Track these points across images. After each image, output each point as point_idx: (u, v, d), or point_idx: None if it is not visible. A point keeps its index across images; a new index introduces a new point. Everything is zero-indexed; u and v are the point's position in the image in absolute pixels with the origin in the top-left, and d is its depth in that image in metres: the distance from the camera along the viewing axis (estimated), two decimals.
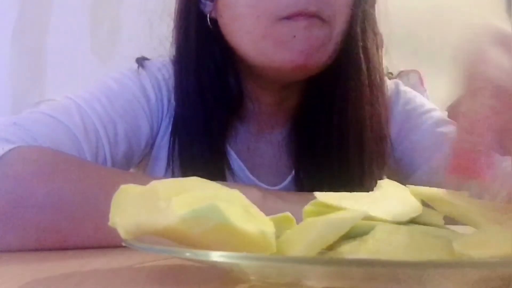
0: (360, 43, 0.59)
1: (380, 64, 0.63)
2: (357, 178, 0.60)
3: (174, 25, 0.62)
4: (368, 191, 0.32)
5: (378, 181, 0.35)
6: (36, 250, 0.40)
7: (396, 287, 0.22)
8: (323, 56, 0.54)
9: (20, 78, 1.78)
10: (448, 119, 0.66)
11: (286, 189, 0.64)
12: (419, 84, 2.01)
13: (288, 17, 0.51)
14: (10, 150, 0.43)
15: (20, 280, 0.28)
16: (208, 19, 0.59)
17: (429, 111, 0.67)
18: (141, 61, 0.63)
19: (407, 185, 0.34)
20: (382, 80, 0.63)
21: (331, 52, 0.55)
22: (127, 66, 0.63)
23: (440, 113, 0.66)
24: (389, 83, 0.69)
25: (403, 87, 0.70)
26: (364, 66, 0.59)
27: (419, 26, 2.12)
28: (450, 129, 0.64)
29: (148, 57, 0.65)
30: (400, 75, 2.02)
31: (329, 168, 0.60)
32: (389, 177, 0.67)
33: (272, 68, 0.55)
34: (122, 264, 0.33)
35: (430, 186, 0.32)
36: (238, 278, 0.26)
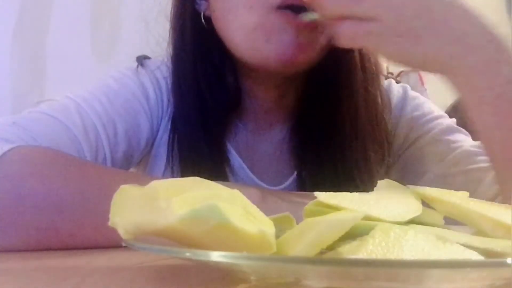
0: None
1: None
2: (361, 175, 0.59)
3: (170, 25, 0.62)
4: (368, 191, 0.32)
5: (378, 181, 0.35)
6: (36, 250, 0.40)
7: (396, 287, 0.22)
8: (312, 52, 0.53)
9: (20, 78, 1.78)
10: (457, 126, 0.65)
11: (289, 189, 0.63)
12: (419, 84, 2.01)
13: (281, 7, 0.50)
14: (9, 150, 0.43)
15: (20, 280, 0.28)
16: (203, 18, 0.59)
17: (437, 117, 0.65)
18: (141, 60, 0.63)
19: (407, 185, 0.34)
20: (376, 64, 0.62)
21: (322, 48, 0.54)
22: (127, 66, 0.63)
23: (449, 120, 0.65)
24: (397, 88, 0.68)
25: (412, 93, 0.68)
26: (356, 53, 0.59)
27: None
28: (458, 136, 0.63)
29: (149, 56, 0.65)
30: (400, 75, 2.02)
31: (331, 167, 0.59)
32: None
33: (261, 62, 0.54)
34: (122, 264, 0.33)
35: None
36: (238, 278, 0.26)
